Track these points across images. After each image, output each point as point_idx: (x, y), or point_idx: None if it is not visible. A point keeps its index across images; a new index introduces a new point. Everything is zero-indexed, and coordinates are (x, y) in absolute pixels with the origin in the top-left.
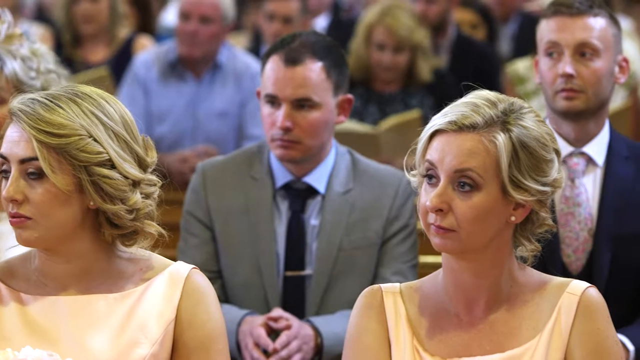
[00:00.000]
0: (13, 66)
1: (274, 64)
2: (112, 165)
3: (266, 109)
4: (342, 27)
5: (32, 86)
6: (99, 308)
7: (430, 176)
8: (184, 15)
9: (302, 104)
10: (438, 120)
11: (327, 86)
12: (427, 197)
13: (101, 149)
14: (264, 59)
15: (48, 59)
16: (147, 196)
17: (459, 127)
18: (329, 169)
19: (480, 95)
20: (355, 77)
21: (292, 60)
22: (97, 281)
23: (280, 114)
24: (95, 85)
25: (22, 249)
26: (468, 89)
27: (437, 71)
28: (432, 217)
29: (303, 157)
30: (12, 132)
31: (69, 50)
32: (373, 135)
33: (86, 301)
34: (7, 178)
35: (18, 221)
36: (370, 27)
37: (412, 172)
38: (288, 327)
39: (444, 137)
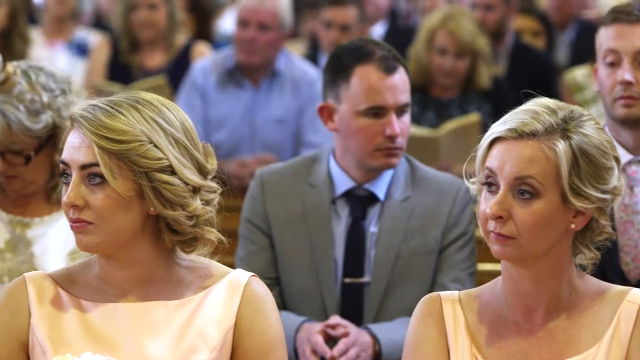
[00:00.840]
0: (18, 118)
1: (369, 75)
2: (173, 172)
3: (366, 121)
4: (399, 34)
5: (45, 126)
6: (159, 315)
7: (490, 184)
8: (242, 23)
9: (403, 109)
10: (498, 128)
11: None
12: (486, 204)
13: (161, 155)
14: (341, 73)
15: (48, 80)
16: (207, 203)
17: (519, 135)
18: (389, 176)
19: (539, 103)
20: (414, 82)
21: (389, 69)
22: (157, 288)
23: (389, 122)
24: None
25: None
26: (526, 97)
27: (494, 78)
28: (491, 225)
29: (398, 162)
30: (73, 138)
31: (126, 57)
32: (432, 139)
33: (146, 308)
34: (68, 184)
35: (79, 226)
36: (432, 31)
37: (471, 180)
38: (346, 335)
39: (504, 144)
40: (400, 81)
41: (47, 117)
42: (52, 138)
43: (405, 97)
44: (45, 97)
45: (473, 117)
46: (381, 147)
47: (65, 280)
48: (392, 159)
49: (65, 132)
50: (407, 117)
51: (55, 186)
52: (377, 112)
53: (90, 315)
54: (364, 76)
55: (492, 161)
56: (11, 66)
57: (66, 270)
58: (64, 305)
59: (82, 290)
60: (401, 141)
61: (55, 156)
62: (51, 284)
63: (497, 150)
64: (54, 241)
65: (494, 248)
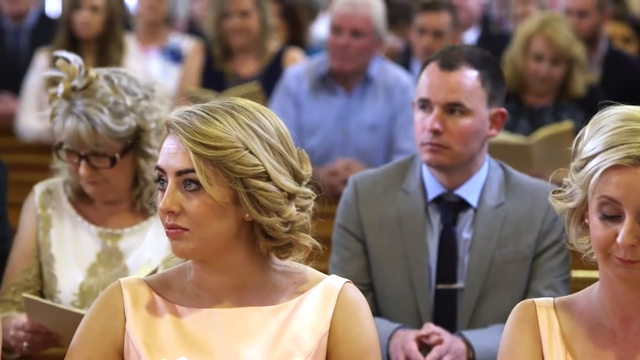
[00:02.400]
0: (103, 120)
1: (429, 70)
2: (268, 178)
3: (418, 115)
4: (491, 40)
5: (128, 129)
6: (254, 320)
7: (607, 213)
8: (336, 29)
9: (453, 109)
10: (611, 155)
11: (480, 95)
12: (606, 231)
13: (257, 162)
14: (421, 69)
15: (130, 84)
16: (302, 209)
17: (638, 160)
18: (482, 183)
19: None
20: (508, 89)
21: (448, 66)
22: (252, 293)
23: (431, 117)
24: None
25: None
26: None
27: (589, 86)
28: (621, 252)
29: (451, 163)
30: (169, 145)
31: (219, 64)
32: (525, 146)
33: (240, 313)
34: (163, 190)
35: (174, 232)
36: (529, 37)
37: (557, 196)
38: (440, 342)
39: (624, 172)
40: (454, 80)
41: (130, 120)
42: (135, 142)
43: (455, 96)
44: (129, 100)
45: (566, 125)
46: (424, 141)
47: (161, 286)
48: (431, 154)
49: (161, 138)
50: (460, 119)
51: (140, 195)
52: (424, 105)
53: (185, 320)
54: (426, 71)
55: (612, 190)
56: (93, 71)
57: (161, 276)
58: (159, 311)
59: (177, 296)
60: (446, 140)
61: (138, 160)
62: (146, 289)
63: (616, 178)
64: (146, 251)
65: (620, 271)
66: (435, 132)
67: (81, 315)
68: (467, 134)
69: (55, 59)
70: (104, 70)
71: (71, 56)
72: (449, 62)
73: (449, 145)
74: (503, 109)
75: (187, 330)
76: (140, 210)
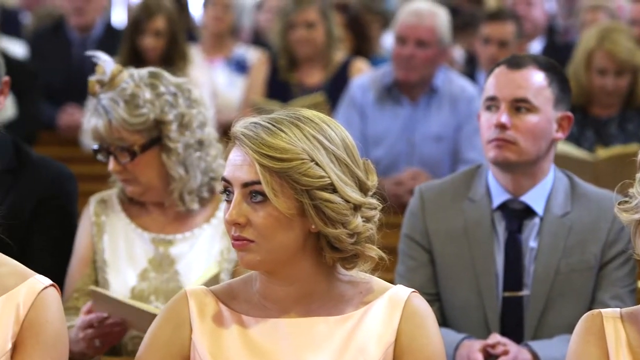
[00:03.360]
0: (118, 112)
1: (497, 71)
2: (334, 189)
3: (485, 116)
4: (557, 50)
5: (145, 121)
6: (320, 331)
7: None
8: (401, 39)
9: (520, 106)
10: None
11: (547, 94)
12: None
13: (323, 173)
14: (487, 75)
15: (156, 81)
16: (367, 220)
17: None
18: (547, 191)
19: None
20: (573, 102)
21: (515, 65)
22: (318, 304)
23: (498, 113)
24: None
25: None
26: None
27: None
28: None
29: (517, 160)
30: (235, 156)
31: (284, 74)
32: (590, 163)
33: (307, 324)
34: (229, 201)
35: (241, 244)
36: (589, 53)
37: (624, 210)
38: (505, 353)
39: None
40: (521, 76)
41: (147, 113)
42: (158, 138)
43: (522, 92)
44: (148, 94)
45: (635, 147)
46: (490, 138)
47: (227, 296)
48: (497, 150)
49: (227, 149)
50: (526, 116)
51: (173, 193)
52: (490, 105)
53: (251, 330)
54: (493, 73)
55: None
56: (118, 67)
57: (227, 285)
58: (225, 321)
59: (243, 306)
60: (513, 135)
61: (162, 156)
62: (212, 299)
63: None
64: (197, 257)
65: None
66: (502, 127)
67: (145, 312)
68: (533, 131)
69: None
70: (143, 71)
71: (102, 55)
72: (516, 61)
73: (515, 141)
74: (569, 114)
75: (253, 341)
76: (190, 215)
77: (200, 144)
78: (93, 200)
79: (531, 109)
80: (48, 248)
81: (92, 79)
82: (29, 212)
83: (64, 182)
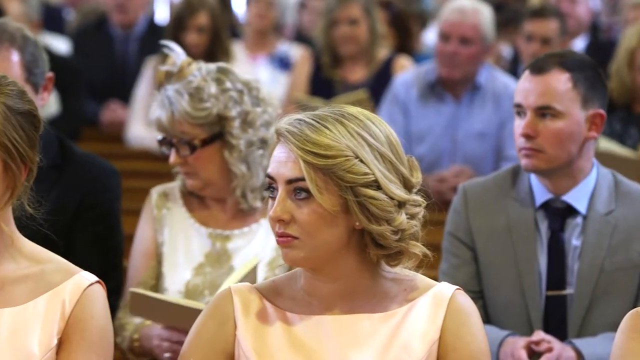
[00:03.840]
0: (183, 107)
1: (523, 76)
2: (378, 186)
3: (516, 122)
4: (600, 48)
5: (207, 115)
6: (364, 327)
7: None
8: (444, 36)
9: (544, 112)
10: None
11: (572, 97)
12: None
13: (367, 170)
14: (520, 76)
15: (223, 76)
16: (412, 217)
17: None
18: (590, 189)
19: None
20: (617, 99)
21: (538, 70)
22: (362, 300)
23: (524, 122)
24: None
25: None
26: None
27: None
28: None
29: (548, 167)
30: (280, 153)
31: (328, 71)
32: (634, 160)
33: (351, 320)
34: (274, 198)
35: (285, 240)
36: (632, 51)
37: None
38: (550, 350)
39: None
40: (543, 83)
41: (210, 107)
42: (220, 133)
43: (545, 99)
44: (213, 88)
45: None
46: (520, 146)
47: (271, 292)
48: (527, 159)
49: (272, 145)
50: (552, 122)
51: (235, 190)
52: (519, 111)
53: (295, 327)
54: (521, 77)
55: None
56: (188, 59)
57: (272, 282)
58: (269, 317)
59: (288, 303)
60: (540, 144)
61: (224, 153)
62: (257, 296)
63: None
64: (253, 253)
65: None
66: (528, 137)
67: (188, 308)
68: (560, 137)
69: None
70: (212, 65)
71: (174, 46)
72: (539, 66)
73: (542, 149)
74: (601, 111)
75: (298, 337)
76: (249, 211)
77: (264, 142)
78: (154, 193)
79: (556, 114)
80: (91, 244)
81: (162, 69)
82: (73, 208)
83: (108, 178)
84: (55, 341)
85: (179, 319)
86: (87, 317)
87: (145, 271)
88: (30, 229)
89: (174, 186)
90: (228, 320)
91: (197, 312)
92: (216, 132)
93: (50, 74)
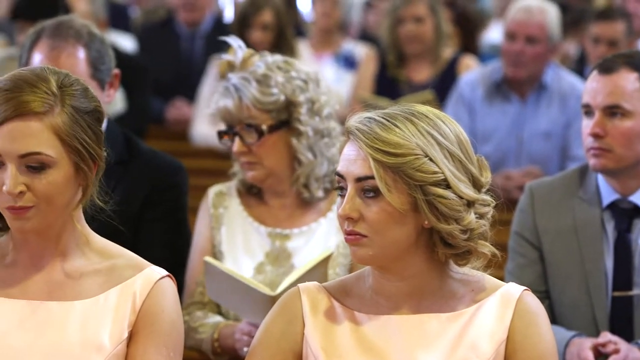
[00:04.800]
0: (251, 92)
1: (591, 76)
2: (447, 185)
3: (584, 122)
4: None
5: (275, 101)
6: (431, 327)
7: None
8: (510, 36)
9: (613, 111)
10: None
11: None
12: None
13: (437, 169)
14: (587, 78)
15: (287, 66)
16: (481, 216)
17: None
18: None
19: None
20: None
21: (605, 69)
22: (429, 300)
23: (593, 122)
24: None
25: None
26: None
27: None
28: None
29: (616, 167)
30: (349, 151)
31: (393, 70)
32: None
33: (419, 320)
34: (343, 196)
35: (353, 239)
36: None
37: None
38: (616, 351)
39: None
40: (611, 82)
41: (278, 93)
42: (287, 121)
43: (613, 99)
44: (280, 77)
45: None
46: (587, 146)
47: (339, 292)
48: (595, 159)
49: (341, 143)
50: (621, 122)
51: (298, 179)
52: (587, 111)
53: (363, 327)
54: (589, 78)
55: None
56: (250, 51)
57: (340, 282)
58: (337, 317)
59: (356, 302)
60: (608, 143)
61: (290, 139)
62: (325, 295)
63: None
64: (314, 251)
65: None
66: (596, 136)
67: (256, 291)
68: (629, 137)
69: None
70: (273, 56)
71: (234, 39)
72: (607, 66)
73: (611, 149)
74: None
75: (365, 337)
76: (309, 208)
77: (328, 132)
78: (211, 192)
79: (625, 113)
80: (157, 240)
81: (224, 59)
82: (139, 204)
83: (174, 173)
84: (126, 334)
85: (243, 302)
86: (157, 311)
87: (201, 270)
88: (98, 223)
89: (231, 185)
90: (296, 318)
91: (262, 295)
92: (282, 119)
93: (116, 71)
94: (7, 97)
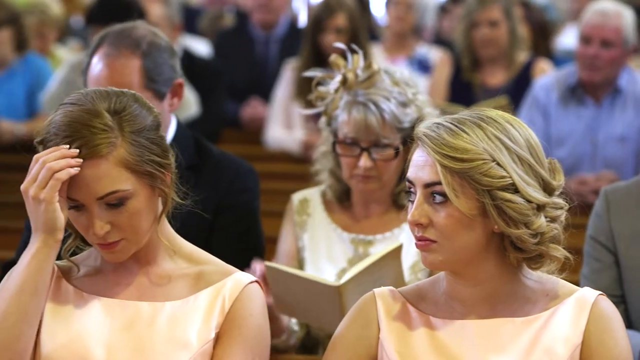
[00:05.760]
0: (391, 109)
1: None
2: (516, 190)
3: None
4: None
5: (411, 120)
6: (506, 332)
7: None
8: (585, 39)
9: None
10: None
11: None
12: None
13: (504, 173)
14: None
15: (407, 80)
16: (552, 220)
17: None
18: None
19: None
20: None
21: None
22: (504, 305)
23: None
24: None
25: None
26: None
27: None
28: None
29: None
30: (418, 157)
31: (467, 75)
32: None
33: (493, 325)
34: (412, 201)
35: (423, 244)
36: None
37: None
38: None
39: None
40: None
41: (412, 111)
42: (409, 136)
43: None
44: (410, 93)
45: None
46: None
47: (415, 296)
48: None
49: (412, 149)
50: None
51: (401, 192)
52: None
53: (438, 331)
54: None
55: None
56: (375, 64)
57: (415, 286)
58: (412, 321)
59: (431, 307)
60: None
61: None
62: (400, 299)
63: None
64: None
65: None
66: None
67: (320, 284)
68: None
69: (302, 70)
70: (390, 70)
71: (352, 49)
72: None
73: None
74: None
75: (441, 342)
76: (390, 215)
77: None
78: (295, 199)
79: None
80: (231, 245)
81: (349, 69)
82: (212, 208)
83: (245, 177)
84: (213, 334)
85: (312, 299)
86: (245, 314)
87: None
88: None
89: (314, 192)
90: (372, 323)
91: (327, 287)
92: (407, 136)
93: (180, 80)
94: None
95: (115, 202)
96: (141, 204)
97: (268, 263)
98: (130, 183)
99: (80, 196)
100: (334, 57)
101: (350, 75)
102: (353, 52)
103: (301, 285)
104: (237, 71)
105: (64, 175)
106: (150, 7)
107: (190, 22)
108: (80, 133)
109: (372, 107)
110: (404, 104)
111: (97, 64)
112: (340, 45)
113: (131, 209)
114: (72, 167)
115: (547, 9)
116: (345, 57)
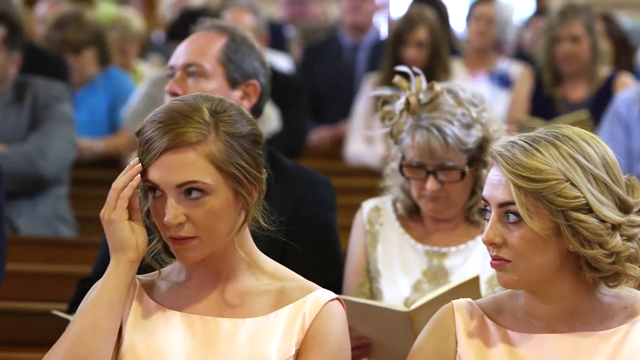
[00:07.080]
0: (454, 132)
1: None
2: (590, 210)
3: None
4: None
5: (475, 141)
6: (586, 346)
7: None
8: None
9: None
10: None
11: None
12: None
13: (578, 193)
14: None
15: (472, 99)
16: (629, 238)
17: None
18: None
19: None
20: None
21: None
22: (582, 321)
23: None
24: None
25: None
26: None
27: None
28: None
29: None
30: (493, 176)
31: (549, 90)
32: None
33: (572, 339)
34: (487, 220)
35: (498, 264)
36: None
37: None
38: None
39: None
40: None
41: (477, 132)
42: (479, 156)
43: None
44: (474, 112)
45: None
46: None
47: (493, 310)
48: None
49: (488, 167)
50: None
51: (473, 207)
52: None
53: (517, 346)
54: None
55: None
56: (438, 85)
57: (494, 299)
58: (490, 335)
59: (509, 320)
60: None
61: (480, 171)
62: (478, 312)
63: None
64: (472, 270)
65: None
66: None
67: (391, 310)
68: None
69: (382, 84)
70: (442, 85)
71: (414, 71)
72: None
73: None
74: None
75: (519, 356)
76: (465, 227)
77: None
78: (366, 208)
79: None
80: (306, 259)
81: (412, 93)
82: (286, 221)
83: (319, 189)
84: (293, 351)
85: (386, 328)
86: (326, 331)
87: (355, 288)
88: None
89: (386, 200)
90: (449, 336)
91: (399, 314)
92: (473, 156)
93: (254, 82)
94: (161, 130)
95: (195, 195)
96: (221, 204)
97: (342, 297)
98: (213, 179)
99: (161, 179)
100: (397, 79)
101: (412, 99)
102: (415, 74)
103: (374, 314)
104: (321, 80)
105: (128, 192)
106: (241, 17)
107: (273, 37)
108: (175, 120)
109: (435, 131)
110: (467, 126)
111: (181, 44)
112: (404, 68)
113: (209, 205)
114: (133, 176)
115: (632, 33)
116: (426, 73)
